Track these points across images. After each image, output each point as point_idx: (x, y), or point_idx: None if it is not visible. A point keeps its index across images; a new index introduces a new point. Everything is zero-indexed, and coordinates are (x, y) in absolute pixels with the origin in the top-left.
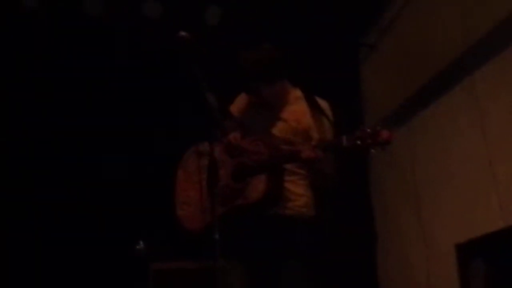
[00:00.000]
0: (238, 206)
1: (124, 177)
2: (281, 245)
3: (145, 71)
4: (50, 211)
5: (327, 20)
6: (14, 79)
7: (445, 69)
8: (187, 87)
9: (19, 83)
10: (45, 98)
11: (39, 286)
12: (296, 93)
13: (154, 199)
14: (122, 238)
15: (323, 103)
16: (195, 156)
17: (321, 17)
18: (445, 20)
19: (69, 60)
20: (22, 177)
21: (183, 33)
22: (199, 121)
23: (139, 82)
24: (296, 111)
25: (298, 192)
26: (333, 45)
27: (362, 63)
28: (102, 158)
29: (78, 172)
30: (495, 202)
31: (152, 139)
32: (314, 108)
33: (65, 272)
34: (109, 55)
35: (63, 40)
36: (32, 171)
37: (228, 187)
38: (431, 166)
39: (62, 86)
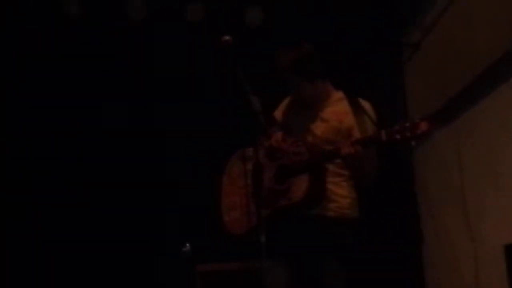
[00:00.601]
0: (282, 207)
1: (171, 179)
2: (324, 245)
3: (188, 73)
4: (101, 212)
5: (371, 19)
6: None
7: (490, 67)
8: (231, 90)
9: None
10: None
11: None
12: (338, 94)
13: (200, 201)
14: (169, 240)
15: (365, 104)
16: (239, 161)
17: (365, 16)
18: (490, 18)
19: (111, 63)
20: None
21: (226, 37)
22: (244, 124)
23: (184, 84)
24: (338, 111)
25: (341, 194)
26: (377, 44)
27: (406, 63)
28: (153, 158)
29: (133, 172)
30: None
31: (198, 141)
32: (356, 108)
33: (112, 273)
34: (151, 58)
35: (106, 44)
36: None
37: (272, 190)
38: (477, 166)
39: (103, 89)
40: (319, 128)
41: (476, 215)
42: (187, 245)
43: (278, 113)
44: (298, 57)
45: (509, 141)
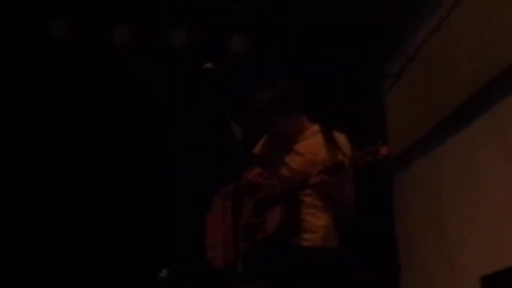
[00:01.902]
0: (259, 240)
1: (151, 208)
2: (302, 275)
3: (170, 101)
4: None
5: (352, 50)
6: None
7: (470, 99)
8: (213, 119)
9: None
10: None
11: None
12: (314, 127)
13: (178, 229)
14: (146, 266)
15: (339, 136)
16: (220, 199)
17: (346, 47)
18: (471, 50)
19: (92, 88)
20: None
21: (208, 65)
22: (226, 155)
23: (165, 112)
24: (313, 144)
25: (317, 224)
26: (358, 75)
27: (387, 93)
28: (129, 186)
29: (105, 198)
30: None
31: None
32: (330, 140)
33: None
34: (135, 84)
35: (89, 68)
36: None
37: (249, 223)
38: (456, 196)
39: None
40: (295, 162)
41: (454, 246)
42: (164, 271)
43: (257, 149)
44: (273, 96)
45: (489, 172)
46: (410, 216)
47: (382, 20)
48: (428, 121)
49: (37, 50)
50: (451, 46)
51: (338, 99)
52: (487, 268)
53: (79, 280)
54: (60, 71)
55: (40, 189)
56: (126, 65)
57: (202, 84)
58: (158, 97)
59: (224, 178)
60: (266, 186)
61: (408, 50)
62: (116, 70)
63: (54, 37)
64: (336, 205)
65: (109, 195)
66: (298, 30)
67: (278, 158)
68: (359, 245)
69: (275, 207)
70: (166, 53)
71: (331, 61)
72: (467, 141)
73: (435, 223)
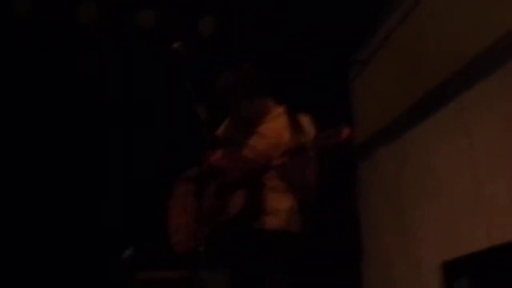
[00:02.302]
0: (221, 223)
1: (117, 188)
2: (265, 259)
3: (136, 82)
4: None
5: (320, 36)
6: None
7: (435, 88)
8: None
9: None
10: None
11: None
12: (278, 110)
13: (142, 209)
14: (110, 246)
15: (304, 119)
16: (183, 182)
17: (314, 32)
18: (438, 39)
19: (59, 67)
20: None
21: (176, 44)
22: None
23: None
24: (277, 127)
25: (279, 207)
26: (325, 61)
27: (354, 80)
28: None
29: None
30: (481, 221)
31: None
32: (294, 122)
33: (51, 278)
34: (100, 63)
35: (54, 45)
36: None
37: (212, 207)
38: (417, 183)
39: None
40: (259, 145)
41: (415, 233)
42: (128, 251)
43: (220, 131)
44: (237, 78)
45: (449, 160)
46: (373, 202)
47: (352, 6)
48: (394, 109)
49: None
50: (419, 36)
51: (304, 84)
52: (447, 255)
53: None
54: (23, 48)
55: None
56: (91, 44)
57: (169, 64)
58: (123, 78)
59: (187, 161)
60: (229, 169)
61: (376, 38)
62: (81, 49)
63: (18, 13)
64: (297, 188)
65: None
66: (267, 14)
67: (242, 141)
68: (322, 230)
69: (238, 190)
70: (134, 33)
71: (299, 45)
72: (430, 130)
73: (397, 210)
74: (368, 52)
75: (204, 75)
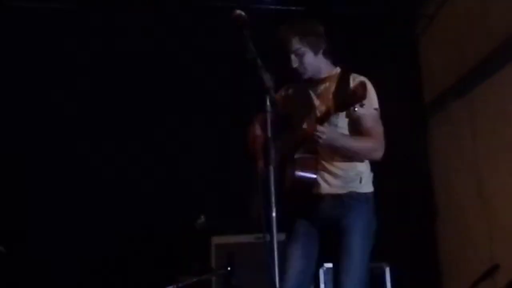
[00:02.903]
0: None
1: (186, 156)
2: (331, 221)
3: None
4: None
5: None
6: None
7: (506, 41)
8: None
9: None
10: None
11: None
12: (333, 71)
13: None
14: (185, 212)
15: (356, 80)
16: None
17: None
18: None
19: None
20: None
21: (238, 11)
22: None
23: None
24: (328, 90)
25: (337, 173)
26: (392, 15)
27: (421, 34)
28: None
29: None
30: None
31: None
32: (342, 87)
33: (129, 244)
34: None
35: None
36: None
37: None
38: (492, 139)
39: None
40: (315, 105)
41: (491, 190)
42: (202, 217)
43: (278, 96)
44: (305, 28)
45: None
46: (446, 159)
47: None
48: (463, 64)
49: None
50: None
51: (372, 40)
52: None
53: None
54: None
55: None
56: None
57: (232, 29)
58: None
59: None
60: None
61: None
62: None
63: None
64: (345, 152)
65: None
66: None
67: (299, 103)
68: (395, 189)
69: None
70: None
71: (364, 1)
72: (501, 84)
73: (472, 166)
74: (434, 6)
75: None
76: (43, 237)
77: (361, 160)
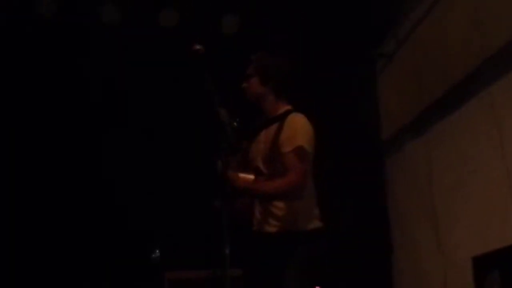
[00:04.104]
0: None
1: (141, 189)
2: (276, 260)
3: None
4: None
5: (345, 30)
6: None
7: (462, 81)
8: (199, 100)
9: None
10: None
11: None
12: (281, 110)
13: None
14: (138, 246)
15: (292, 121)
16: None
17: (339, 27)
18: (463, 32)
19: (81, 68)
20: None
21: (197, 46)
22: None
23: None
24: (270, 132)
25: (276, 213)
26: (351, 55)
27: (380, 74)
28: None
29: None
30: None
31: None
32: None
33: (81, 281)
34: (124, 63)
35: (76, 47)
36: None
37: None
38: (447, 178)
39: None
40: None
41: (446, 227)
42: (157, 251)
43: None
44: (266, 60)
45: (480, 154)
46: (403, 197)
47: (375, 1)
48: (420, 103)
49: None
50: (444, 28)
51: (330, 79)
52: (478, 249)
53: None
54: (47, 50)
55: None
56: (114, 45)
57: (190, 65)
58: (146, 78)
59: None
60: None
61: (401, 31)
62: (104, 50)
63: (43, 17)
64: (263, 198)
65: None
66: (290, 10)
67: (255, 141)
68: (350, 225)
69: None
70: (156, 33)
71: (323, 41)
72: (458, 124)
73: (427, 204)
74: (393, 46)
75: (226, 75)
76: None
77: (295, 198)
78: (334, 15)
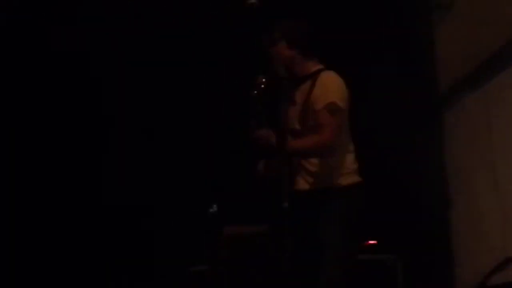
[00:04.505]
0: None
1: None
2: (320, 216)
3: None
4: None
5: None
6: None
7: None
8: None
9: None
10: None
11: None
12: (313, 69)
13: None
14: (196, 201)
15: (324, 78)
16: None
17: None
18: None
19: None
20: None
21: (251, 0)
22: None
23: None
24: (306, 90)
25: (311, 170)
26: (407, 5)
27: (437, 25)
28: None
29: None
30: None
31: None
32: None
33: (138, 236)
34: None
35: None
36: None
37: None
38: (507, 130)
39: None
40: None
41: (506, 181)
42: (214, 206)
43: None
44: (288, 24)
45: None
46: (460, 152)
47: None
48: (479, 55)
49: None
50: None
51: (386, 30)
52: None
53: None
54: None
55: None
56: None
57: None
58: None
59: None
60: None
61: None
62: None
63: None
64: (300, 155)
65: None
66: None
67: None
68: (407, 180)
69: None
70: None
71: None
72: None
73: (486, 159)
74: None
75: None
76: None
77: (329, 154)
78: None
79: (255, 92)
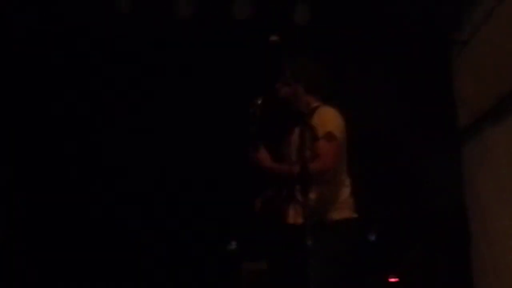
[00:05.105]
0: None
1: (216, 178)
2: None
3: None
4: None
5: (419, 16)
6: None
7: None
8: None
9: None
10: None
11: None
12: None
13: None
14: (215, 238)
15: (320, 113)
16: None
17: (412, 13)
18: None
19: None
20: None
21: (274, 37)
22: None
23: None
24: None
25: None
26: (425, 41)
27: (455, 60)
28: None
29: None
30: None
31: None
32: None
33: (160, 272)
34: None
35: (153, 41)
36: None
37: None
38: None
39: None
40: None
41: None
42: (233, 243)
43: None
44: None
45: None
46: (482, 186)
47: None
48: (499, 90)
49: None
50: None
51: (404, 66)
52: None
53: None
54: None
55: None
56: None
57: (268, 56)
58: (222, 69)
59: None
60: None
61: (475, 16)
62: (180, 43)
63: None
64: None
65: None
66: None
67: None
68: (427, 215)
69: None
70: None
71: (396, 28)
72: None
73: (509, 195)
74: (468, 31)
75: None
76: None
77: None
78: (406, 2)
79: (252, 114)
